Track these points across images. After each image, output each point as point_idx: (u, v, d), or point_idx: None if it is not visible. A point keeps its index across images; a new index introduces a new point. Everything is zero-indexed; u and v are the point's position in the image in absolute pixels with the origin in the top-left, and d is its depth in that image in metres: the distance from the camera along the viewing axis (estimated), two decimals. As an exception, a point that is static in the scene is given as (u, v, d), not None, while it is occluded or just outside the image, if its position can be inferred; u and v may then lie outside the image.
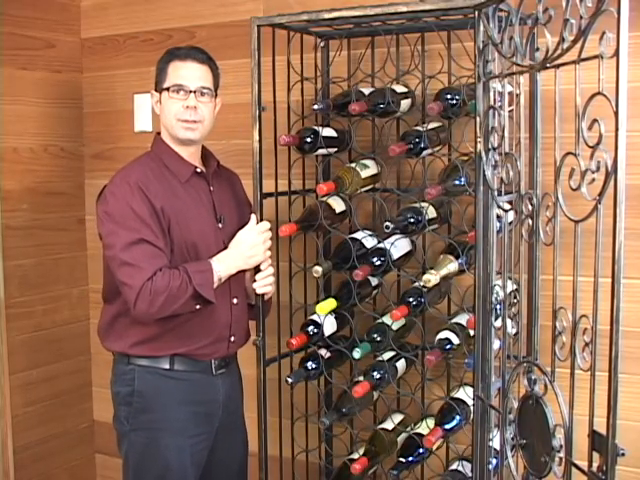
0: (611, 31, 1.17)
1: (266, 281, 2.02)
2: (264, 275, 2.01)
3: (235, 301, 2.03)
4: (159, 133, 2.05)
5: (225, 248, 1.98)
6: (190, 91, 1.94)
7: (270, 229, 2.01)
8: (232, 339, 2.04)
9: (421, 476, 2.24)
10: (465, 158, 1.98)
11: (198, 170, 2.02)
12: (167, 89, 1.95)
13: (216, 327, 1.99)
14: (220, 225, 2.02)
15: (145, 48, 2.72)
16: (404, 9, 1.83)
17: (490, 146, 1.58)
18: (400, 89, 2.08)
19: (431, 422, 2.08)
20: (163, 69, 1.98)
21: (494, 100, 1.58)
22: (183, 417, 1.99)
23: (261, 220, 2.04)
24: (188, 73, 1.95)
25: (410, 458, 2.07)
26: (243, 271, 2.00)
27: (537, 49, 1.44)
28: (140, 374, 1.98)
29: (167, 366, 1.97)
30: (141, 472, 2.01)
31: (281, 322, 2.19)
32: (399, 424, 2.20)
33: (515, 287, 1.55)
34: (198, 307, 1.90)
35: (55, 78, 2.81)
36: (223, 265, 1.92)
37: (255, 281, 2.02)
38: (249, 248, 1.96)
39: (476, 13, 1.59)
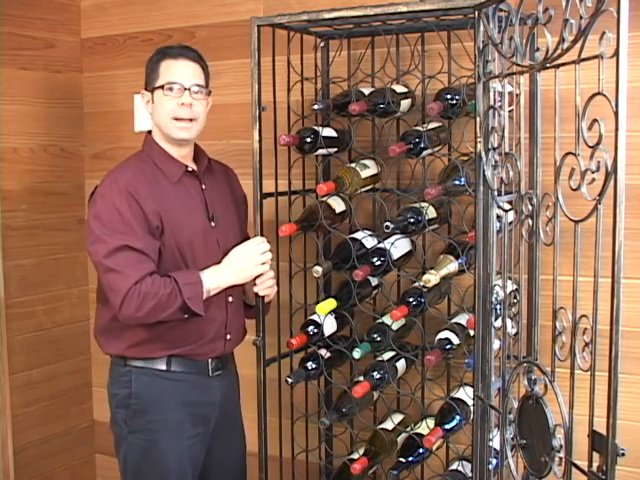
0: (611, 31, 1.17)
1: (267, 284, 2.01)
2: (265, 278, 2.00)
3: (230, 299, 2.02)
4: (150, 132, 2.03)
5: (219, 247, 1.99)
6: (185, 88, 1.92)
7: (269, 243, 1.98)
8: (228, 337, 2.04)
9: (421, 476, 2.24)
10: (465, 158, 1.98)
11: (189, 169, 2.01)
12: (161, 87, 1.93)
13: (212, 326, 1.98)
14: (213, 224, 2.00)
15: (145, 48, 2.71)
16: (404, 9, 1.84)
17: (490, 146, 1.58)
18: (400, 89, 2.08)
19: (431, 422, 2.08)
20: (154, 68, 1.96)
21: (494, 100, 1.58)
22: (181, 418, 1.98)
23: (261, 221, 2.04)
24: (182, 71, 1.94)
25: (410, 458, 2.07)
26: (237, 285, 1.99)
27: (537, 49, 1.44)
28: (137, 376, 1.97)
29: (164, 367, 1.97)
30: (140, 474, 2.00)
31: (281, 322, 2.19)
32: (399, 424, 2.20)
33: (515, 287, 1.55)
34: (186, 316, 1.89)
35: (55, 78, 2.81)
36: (213, 279, 1.91)
37: (256, 284, 2.01)
38: (239, 262, 1.94)
39: (476, 13, 1.59)
